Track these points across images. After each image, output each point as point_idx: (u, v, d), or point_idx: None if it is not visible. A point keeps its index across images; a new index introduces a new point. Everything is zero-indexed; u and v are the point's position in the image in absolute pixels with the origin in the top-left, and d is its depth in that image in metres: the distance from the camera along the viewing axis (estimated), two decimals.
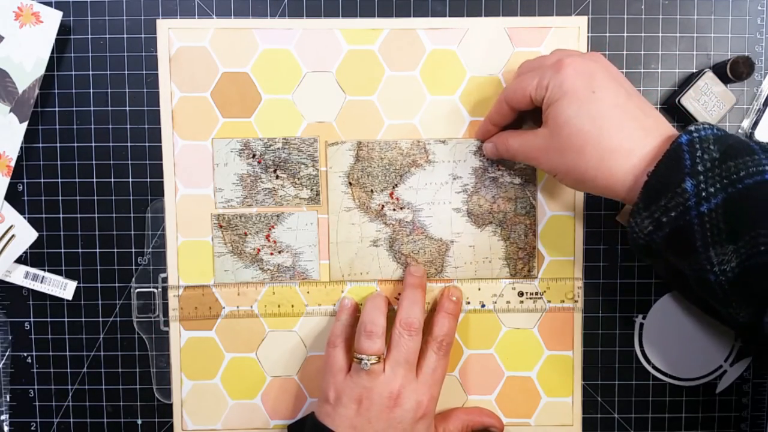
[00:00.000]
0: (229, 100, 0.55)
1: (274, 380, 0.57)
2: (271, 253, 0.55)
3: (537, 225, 0.55)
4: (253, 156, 0.55)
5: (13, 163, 0.54)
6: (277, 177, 0.55)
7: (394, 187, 0.55)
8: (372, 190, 0.55)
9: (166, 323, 0.56)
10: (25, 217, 0.55)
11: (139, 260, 0.56)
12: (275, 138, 0.55)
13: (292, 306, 0.56)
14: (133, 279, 0.56)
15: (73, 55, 0.55)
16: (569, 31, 0.54)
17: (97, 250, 0.56)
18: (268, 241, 0.55)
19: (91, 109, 0.55)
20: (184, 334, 0.56)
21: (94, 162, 0.55)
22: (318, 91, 0.55)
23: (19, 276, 0.55)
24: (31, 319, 0.57)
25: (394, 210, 0.55)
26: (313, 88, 0.55)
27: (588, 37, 0.55)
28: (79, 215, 0.56)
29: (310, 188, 0.55)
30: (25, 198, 0.56)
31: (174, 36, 0.54)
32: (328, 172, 0.55)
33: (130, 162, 0.55)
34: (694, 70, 0.55)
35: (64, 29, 0.54)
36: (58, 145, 0.55)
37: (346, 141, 0.55)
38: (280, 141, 0.55)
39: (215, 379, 0.56)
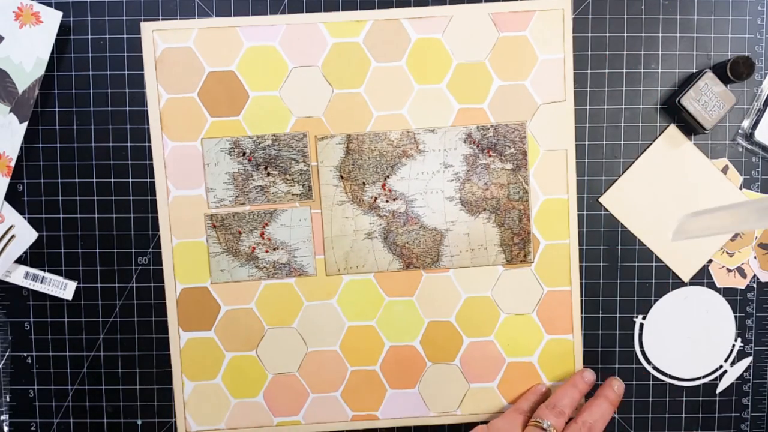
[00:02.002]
0: (217, 100, 0.55)
1: (275, 377, 0.57)
2: (266, 251, 0.55)
3: (531, 210, 0.55)
4: (243, 154, 0.55)
5: (13, 163, 0.54)
6: (269, 174, 0.55)
7: (385, 179, 0.55)
8: (364, 183, 0.55)
9: (164, 324, 0.56)
10: (25, 217, 0.55)
11: (139, 260, 0.56)
12: (264, 135, 0.55)
13: (290, 302, 0.56)
14: (133, 279, 0.56)
15: (73, 55, 0.55)
16: (554, 14, 0.54)
17: (97, 250, 0.56)
18: (263, 238, 0.55)
19: (91, 109, 0.55)
20: (183, 336, 0.56)
21: (94, 162, 0.56)
22: (305, 86, 0.55)
23: (19, 276, 0.55)
24: (31, 319, 0.57)
25: (387, 201, 0.55)
26: (299, 83, 0.55)
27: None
28: (79, 215, 0.56)
29: (302, 184, 0.55)
30: (25, 198, 0.56)
31: (158, 38, 0.54)
32: (318, 166, 0.55)
33: (130, 162, 0.55)
34: (694, 70, 0.55)
35: (64, 29, 0.54)
36: (58, 145, 0.55)
37: (335, 135, 0.55)
38: (270, 138, 0.55)
39: (216, 379, 0.57)
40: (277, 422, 0.57)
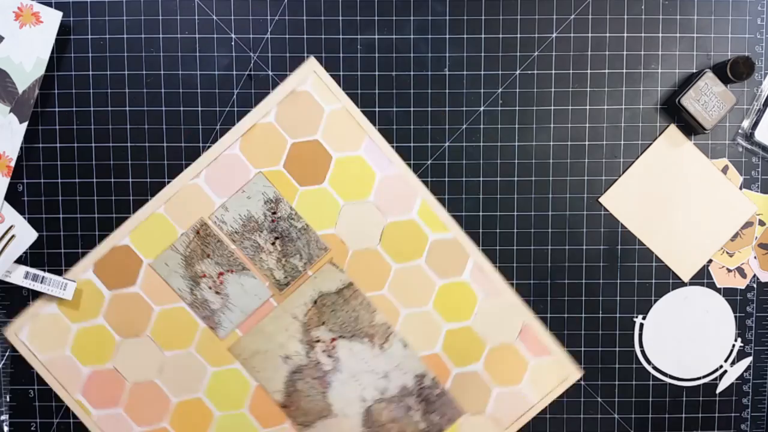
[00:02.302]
0: (304, 163, 0.55)
1: (104, 371, 0.56)
2: (210, 288, 0.56)
3: None
4: (274, 213, 0.55)
5: (13, 164, 0.54)
6: (273, 244, 0.55)
7: (340, 337, 0.56)
8: (323, 323, 0.56)
9: None
10: (25, 217, 0.55)
11: None
12: (302, 219, 0.55)
13: (182, 336, 0.56)
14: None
15: (73, 55, 0.55)
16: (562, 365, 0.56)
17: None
18: (218, 278, 0.56)
19: (91, 109, 0.55)
20: (88, 274, 0.56)
21: (94, 162, 0.56)
22: (363, 221, 0.56)
23: (19, 276, 0.55)
24: None
25: (323, 352, 0.56)
26: (363, 215, 0.56)
27: (589, 36, 0.55)
28: (79, 215, 0.56)
29: (286, 276, 0.55)
30: (25, 198, 0.56)
31: (310, 78, 0.55)
32: (310, 278, 0.56)
33: (130, 162, 0.55)
34: (694, 70, 0.55)
35: (64, 29, 0.54)
36: (58, 145, 0.55)
37: (343, 272, 0.56)
38: (304, 224, 0.55)
39: (72, 324, 0.56)
40: (77, 399, 0.56)
